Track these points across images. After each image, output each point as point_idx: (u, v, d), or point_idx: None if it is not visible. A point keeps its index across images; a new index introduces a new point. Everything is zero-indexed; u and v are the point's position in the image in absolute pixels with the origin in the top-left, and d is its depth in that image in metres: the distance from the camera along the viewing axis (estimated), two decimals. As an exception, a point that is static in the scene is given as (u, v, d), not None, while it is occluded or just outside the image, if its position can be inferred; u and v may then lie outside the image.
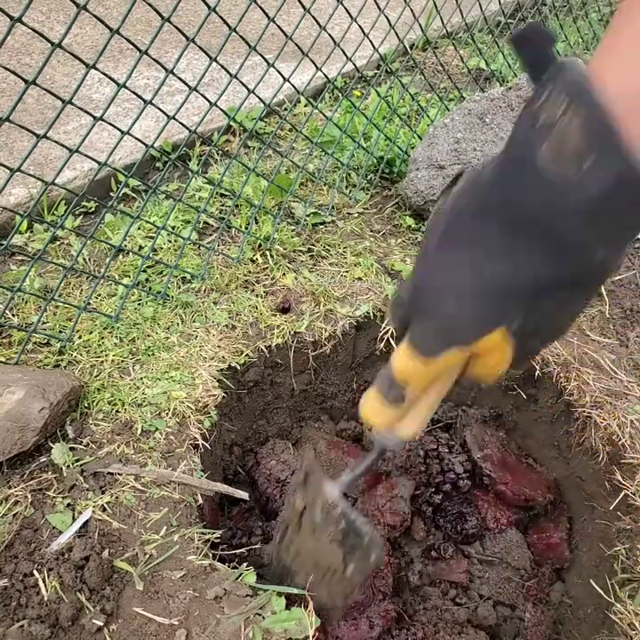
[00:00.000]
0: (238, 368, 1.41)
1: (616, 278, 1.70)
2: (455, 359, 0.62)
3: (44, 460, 1.16)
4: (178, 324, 1.45)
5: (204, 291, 1.55)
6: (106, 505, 1.10)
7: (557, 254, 0.53)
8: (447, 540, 1.41)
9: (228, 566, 1.07)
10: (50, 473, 1.14)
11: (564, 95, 0.50)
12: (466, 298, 0.58)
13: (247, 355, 1.42)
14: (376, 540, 0.91)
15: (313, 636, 0.94)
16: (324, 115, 1.77)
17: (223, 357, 1.39)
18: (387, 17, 1.71)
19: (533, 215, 0.53)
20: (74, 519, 1.07)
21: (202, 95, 1.39)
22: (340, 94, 2.17)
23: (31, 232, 1.69)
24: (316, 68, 1.58)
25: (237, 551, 1.18)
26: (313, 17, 1.50)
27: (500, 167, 0.55)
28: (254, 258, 1.64)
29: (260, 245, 1.67)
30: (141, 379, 1.32)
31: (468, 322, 0.59)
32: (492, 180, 0.56)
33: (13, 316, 1.44)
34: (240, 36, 1.33)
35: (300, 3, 1.52)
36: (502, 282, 0.56)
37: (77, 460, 1.16)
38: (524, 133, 0.53)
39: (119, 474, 1.15)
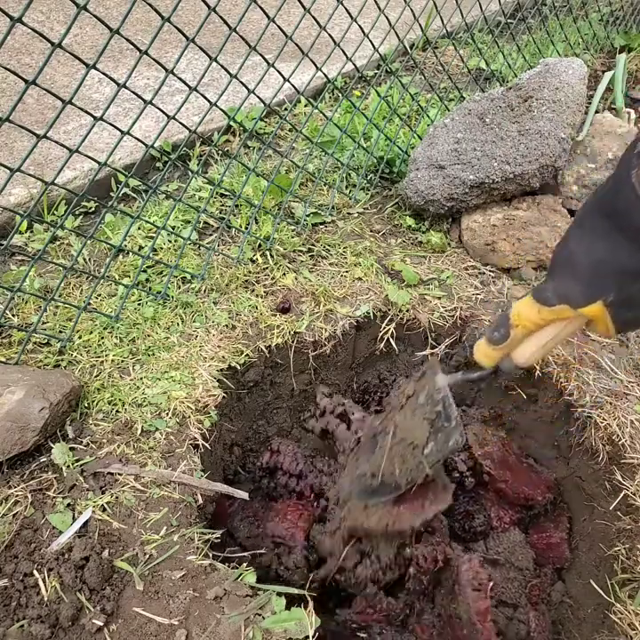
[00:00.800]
0: (238, 368, 1.41)
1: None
2: (564, 314, 0.84)
3: (44, 459, 1.16)
4: (178, 323, 1.45)
5: (204, 291, 1.55)
6: (106, 505, 1.10)
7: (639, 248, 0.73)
8: (455, 539, 1.40)
9: (228, 566, 1.07)
10: (50, 473, 1.14)
11: None
12: (579, 273, 0.80)
13: (247, 355, 1.42)
14: (460, 427, 1.04)
15: None
16: (324, 115, 1.77)
17: (223, 357, 1.39)
18: (387, 17, 1.71)
19: (628, 218, 0.72)
20: (74, 519, 1.07)
21: (202, 95, 1.39)
22: (340, 94, 2.17)
23: (31, 232, 1.69)
24: (316, 68, 1.58)
25: (240, 554, 1.18)
26: (313, 17, 1.50)
27: (611, 178, 0.75)
28: (254, 258, 1.64)
29: (259, 245, 1.67)
30: (141, 379, 1.32)
31: (578, 292, 0.81)
32: (604, 186, 0.77)
33: (13, 316, 1.44)
34: (240, 36, 1.33)
35: (300, 3, 1.52)
36: (603, 265, 0.77)
37: (77, 460, 1.16)
38: (628, 156, 0.71)
39: (119, 474, 1.15)
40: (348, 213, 1.85)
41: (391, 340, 1.58)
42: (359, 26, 1.64)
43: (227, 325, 1.47)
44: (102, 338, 1.40)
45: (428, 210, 1.77)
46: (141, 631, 0.95)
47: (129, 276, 1.56)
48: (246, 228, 1.67)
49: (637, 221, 0.71)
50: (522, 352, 0.95)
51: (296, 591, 1.06)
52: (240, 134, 2.17)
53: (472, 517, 1.42)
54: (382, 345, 1.60)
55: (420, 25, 1.83)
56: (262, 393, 1.56)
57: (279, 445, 1.46)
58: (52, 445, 1.17)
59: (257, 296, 1.55)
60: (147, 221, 1.59)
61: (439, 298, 1.59)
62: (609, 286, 0.79)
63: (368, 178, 1.95)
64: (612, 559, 1.23)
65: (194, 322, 1.47)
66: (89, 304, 1.44)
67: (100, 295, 1.51)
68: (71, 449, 1.18)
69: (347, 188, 1.94)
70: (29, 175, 1.18)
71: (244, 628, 0.94)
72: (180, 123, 1.38)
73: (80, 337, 1.40)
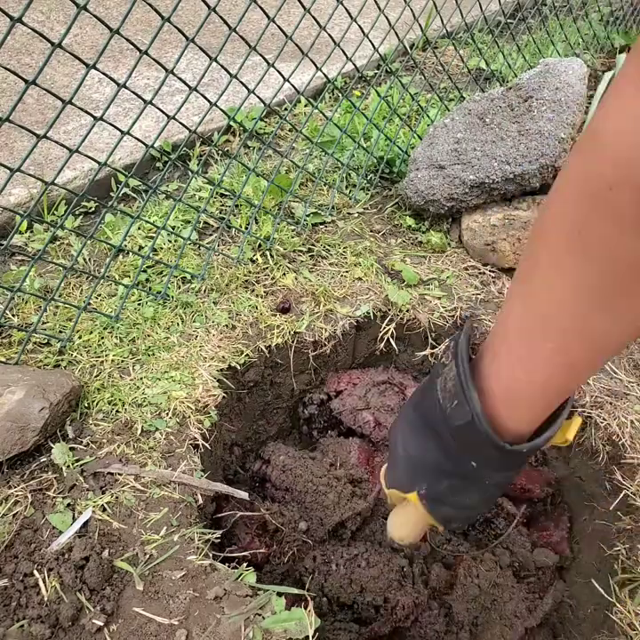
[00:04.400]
0: (238, 368, 1.41)
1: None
2: (398, 496, 0.87)
3: (44, 460, 1.16)
4: (178, 324, 1.45)
5: (204, 291, 1.55)
6: (106, 505, 1.10)
7: (446, 454, 0.75)
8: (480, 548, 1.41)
9: (228, 566, 1.07)
10: (50, 473, 1.14)
11: (451, 351, 0.71)
12: (398, 464, 0.85)
13: (247, 355, 1.42)
14: None
15: None
16: (323, 115, 1.77)
17: (223, 357, 1.39)
18: (387, 17, 1.71)
19: (435, 425, 0.74)
20: (74, 519, 1.07)
21: (202, 95, 1.39)
22: (340, 94, 2.17)
23: (31, 232, 1.69)
24: (316, 68, 1.58)
25: (240, 554, 1.18)
26: (313, 17, 1.50)
27: (425, 382, 0.78)
28: (254, 258, 1.64)
29: (259, 245, 1.67)
30: (141, 379, 1.32)
31: (399, 481, 0.86)
32: (420, 388, 0.81)
33: (13, 316, 1.44)
34: (240, 36, 1.33)
35: (300, 3, 1.52)
36: (416, 461, 0.81)
37: (77, 460, 1.16)
38: (437, 365, 0.75)
39: (119, 474, 1.15)
40: (348, 213, 1.85)
41: (391, 339, 1.58)
42: (359, 26, 1.64)
43: (227, 325, 1.47)
44: (102, 338, 1.40)
45: (428, 210, 1.77)
46: (141, 631, 0.95)
47: (129, 276, 1.56)
48: (246, 228, 1.67)
49: (442, 432, 0.73)
50: (397, 530, 0.97)
51: (296, 591, 1.06)
52: (240, 134, 2.17)
53: (492, 523, 1.42)
54: (382, 345, 1.60)
55: (419, 25, 1.83)
56: (262, 393, 1.56)
57: (270, 454, 1.45)
58: (52, 445, 1.17)
59: (257, 296, 1.55)
60: (147, 221, 1.59)
61: (439, 298, 1.59)
62: (421, 480, 0.82)
63: (368, 178, 1.95)
64: (612, 559, 1.23)
65: (194, 322, 1.47)
66: (89, 304, 1.44)
67: (99, 295, 1.51)
68: (71, 449, 1.18)
69: (347, 187, 1.94)
70: (29, 175, 1.18)
71: (244, 628, 0.94)
72: (180, 123, 1.38)
73: (80, 337, 1.40)
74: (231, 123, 1.53)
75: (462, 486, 0.80)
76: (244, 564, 1.07)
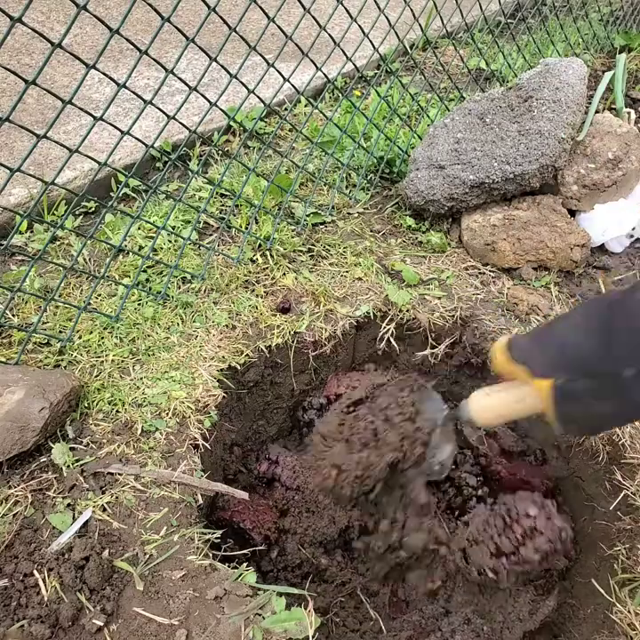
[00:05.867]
0: (238, 368, 1.41)
1: (616, 278, 1.70)
2: (520, 375, 0.85)
3: (44, 460, 1.16)
4: (178, 324, 1.45)
5: (204, 291, 1.55)
6: (106, 505, 1.10)
7: (607, 351, 0.74)
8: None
9: (228, 566, 1.07)
10: (50, 473, 1.14)
11: None
12: (549, 345, 0.82)
13: (247, 355, 1.42)
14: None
15: None
16: (324, 115, 1.77)
17: (223, 357, 1.39)
18: (387, 17, 1.71)
19: (615, 319, 0.74)
20: (74, 519, 1.07)
21: (202, 95, 1.39)
22: (340, 94, 2.17)
23: (31, 232, 1.69)
24: (316, 67, 1.58)
25: (240, 553, 1.18)
26: (313, 17, 1.50)
27: (618, 293, 0.77)
28: (254, 258, 1.64)
29: (260, 245, 1.67)
30: (141, 379, 1.32)
31: (538, 362, 0.82)
32: (620, 291, 0.77)
33: (13, 316, 1.44)
34: (240, 36, 1.33)
35: (300, 3, 1.52)
36: (570, 350, 0.79)
37: (77, 460, 1.16)
38: None
39: (119, 474, 1.15)
40: (348, 213, 1.85)
41: (391, 339, 1.58)
42: (359, 26, 1.64)
43: (227, 325, 1.47)
44: (102, 338, 1.40)
45: (428, 210, 1.77)
46: (141, 631, 0.95)
47: (129, 276, 1.56)
48: (246, 228, 1.67)
49: (621, 333, 0.73)
50: (483, 413, 0.97)
51: (296, 591, 1.06)
52: (240, 134, 2.17)
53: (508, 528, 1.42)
54: (382, 345, 1.60)
55: (419, 25, 1.83)
56: (262, 393, 1.56)
57: (278, 456, 1.46)
58: (52, 445, 1.17)
59: (257, 296, 1.55)
60: (147, 221, 1.59)
61: (439, 298, 1.59)
62: (563, 371, 0.80)
63: (368, 178, 1.95)
64: (612, 559, 1.23)
65: (194, 322, 1.47)
66: (89, 304, 1.44)
67: (99, 295, 1.51)
68: (71, 449, 1.18)
69: (347, 187, 1.94)
70: (29, 175, 1.18)
71: (244, 627, 0.94)
72: (180, 123, 1.38)
73: (80, 337, 1.40)
74: (231, 123, 1.53)
75: (602, 393, 0.77)
76: (244, 564, 1.07)
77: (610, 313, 0.77)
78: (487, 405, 0.98)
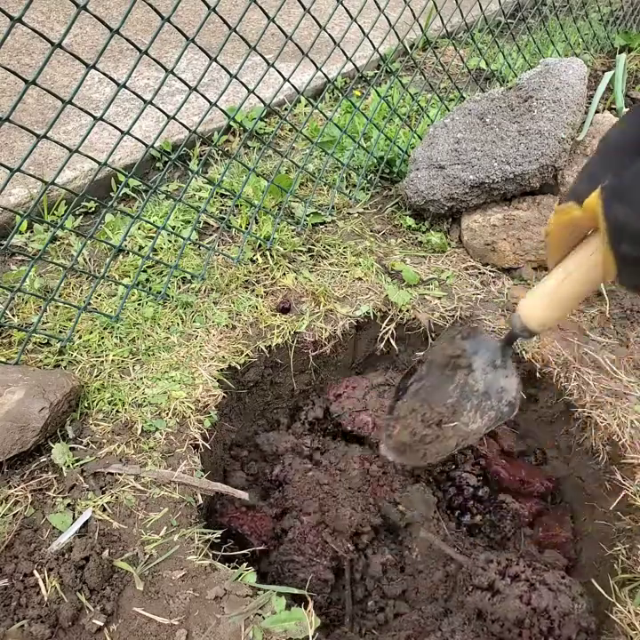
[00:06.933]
0: (238, 368, 1.41)
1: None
2: (573, 214, 0.73)
3: (44, 460, 1.16)
4: (178, 324, 1.45)
5: (205, 291, 1.55)
6: (106, 505, 1.10)
7: None
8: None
9: (228, 566, 1.07)
10: (50, 473, 1.14)
11: None
12: (590, 165, 0.73)
13: (247, 355, 1.42)
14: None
15: None
16: (324, 115, 1.77)
17: (223, 357, 1.39)
18: (387, 17, 1.71)
19: None
20: (74, 519, 1.07)
21: (202, 95, 1.39)
22: (340, 94, 2.17)
23: (31, 232, 1.69)
24: (316, 68, 1.58)
25: (240, 552, 1.18)
26: (313, 17, 1.50)
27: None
28: (254, 258, 1.64)
29: (259, 245, 1.67)
30: (141, 379, 1.32)
31: (584, 184, 0.71)
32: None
33: (13, 316, 1.44)
34: (240, 36, 1.33)
35: (300, 3, 1.52)
36: (613, 143, 0.70)
37: (77, 460, 1.16)
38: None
39: (119, 474, 1.15)
40: (348, 213, 1.85)
41: (391, 339, 1.58)
42: (359, 26, 1.64)
43: (227, 325, 1.47)
44: (102, 338, 1.40)
45: (428, 210, 1.77)
46: (141, 631, 0.95)
47: (129, 276, 1.56)
48: (246, 228, 1.67)
49: None
50: (537, 311, 0.84)
51: (296, 591, 1.06)
52: (240, 134, 2.17)
53: (497, 528, 1.42)
54: (382, 345, 1.60)
55: (419, 25, 1.83)
56: (262, 393, 1.56)
57: (291, 460, 1.46)
58: (52, 445, 1.17)
59: (257, 296, 1.55)
60: (147, 221, 1.59)
61: (439, 298, 1.59)
62: (608, 167, 0.68)
63: (368, 178, 1.95)
64: (612, 559, 1.23)
65: (194, 322, 1.47)
66: (89, 304, 1.44)
67: (99, 295, 1.51)
68: (71, 449, 1.18)
69: (347, 187, 1.94)
70: (29, 175, 1.18)
71: (244, 627, 0.94)
72: (180, 123, 1.38)
73: (80, 337, 1.40)
74: (231, 123, 1.53)
75: None
76: (244, 564, 1.07)
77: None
78: (538, 298, 0.85)
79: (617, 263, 0.68)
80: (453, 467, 1.48)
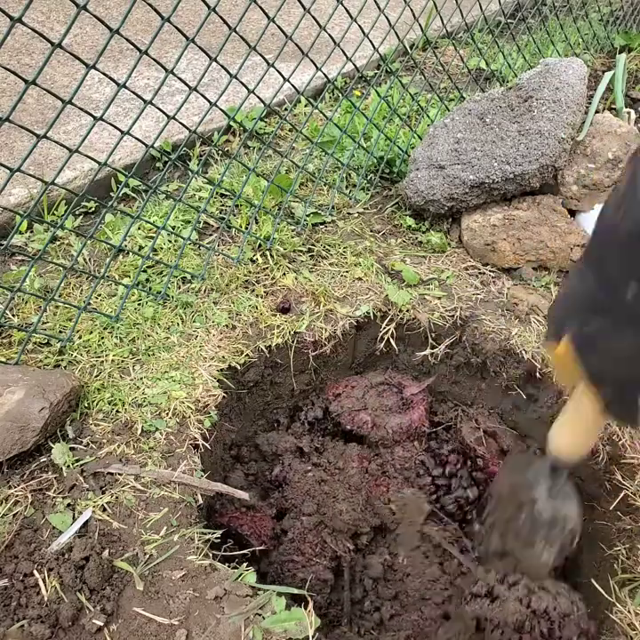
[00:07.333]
0: (238, 368, 1.41)
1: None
2: (553, 352, 0.78)
3: (44, 460, 1.16)
4: (178, 324, 1.45)
5: (205, 291, 1.55)
6: (106, 505, 1.10)
7: (602, 281, 0.68)
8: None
9: (228, 566, 1.07)
10: (50, 473, 1.14)
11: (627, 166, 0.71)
12: (556, 309, 0.79)
13: (247, 355, 1.42)
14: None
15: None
16: (324, 115, 1.77)
17: (223, 357, 1.39)
18: (387, 17, 1.71)
19: (601, 247, 0.70)
20: (74, 519, 1.07)
21: (202, 95, 1.39)
22: (340, 94, 2.17)
23: (31, 232, 1.69)
24: (316, 68, 1.58)
25: (240, 552, 1.18)
26: (313, 17, 1.50)
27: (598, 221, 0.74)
28: (254, 258, 1.64)
29: (260, 245, 1.67)
30: (141, 379, 1.32)
31: (552, 330, 0.78)
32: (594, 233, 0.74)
33: (13, 316, 1.44)
34: (240, 36, 1.33)
35: (300, 3, 1.52)
36: (571, 295, 0.76)
37: (77, 460, 1.16)
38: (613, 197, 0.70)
39: (119, 474, 1.15)
40: (348, 213, 1.85)
41: (391, 340, 1.58)
42: (359, 26, 1.64)
43: (227, 325, 1.47)
44: (102, 338, 1.40)
45: (428, 210, 1.77)
46: (141, 631, 0.95)
47: (129, 276, 1.56)
48: (246, 228, 1.67)
49: (606, 253, 0.69)
50: (561, 445, 0.94)
51: (296, 591, 1.06)
52: (240, 134, 2.17)
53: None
54: (382, 345, 1.60)
55: (419, 25, 1.83)
56: (262, 393, 1.56)
57: (291, 461, 1.46)
58: (52, 445, 1.17)
59: (257, 296, 1.55)
60: (147, 221, 1.59)
61: (439, 298, 1.59)
62: (572, 318, 0.75)
63: (368, 178, 1.95)
64: (612, 559, 1.23)
65: (194, 322, 1.47)
66: (89, 304, 1.44)
67: (100, 295, 1.51)
68: (71, 449, 1.18)
69: (347, 187, 1.94)
70: (29, 175, 1.18)
71: (244, 627, 0.94)
72: (180, 123, 1.38)
73: (80, 337, 1.40)
74: (231, 123, 1.53)
75: (613, 326, 0.70)
76: (244, 564, 1.07)
77: (595, 241, 0.73)
78: (562, 431, 0.94)
79: (603, 402, 0.74)
80: (445, 482, 1.48)
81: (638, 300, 0.65)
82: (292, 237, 1.71)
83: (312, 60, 1.56)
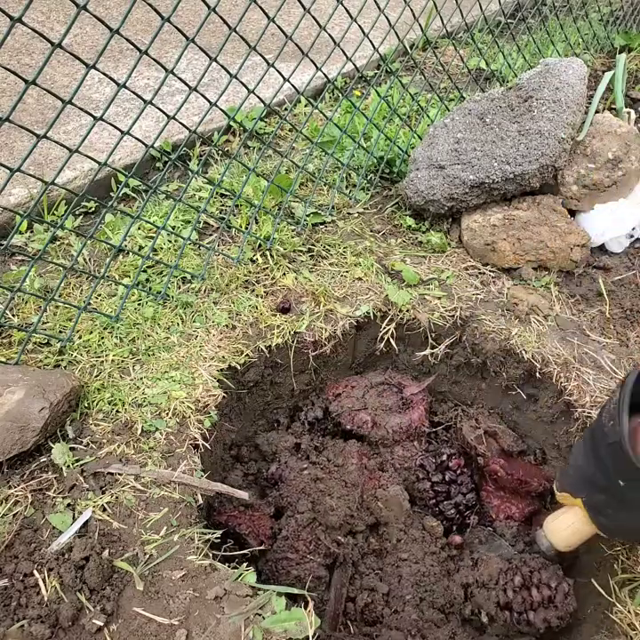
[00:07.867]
0: (238, 368, 1.41)
1: (616, 278, 1.70)
2: (568, 500, 1.15)
3: (44, 460, 1.16)
4: (178, 324, 1.45)
5: (205, 291, 1.55)
6: (106, 505, 1.10)
7: (600, 469, 1.01)
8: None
9: (228, 566, 1.07)
10: (50, 473, 1.14)
11: (621, 381, 1.02)
12: (571, 473, 1.14)
13: (247, 355, 1.42)
14: None
15: None
16: (324, 115, 1.77)
17: (223, 357, 1.39)
18: (387, 17, 1.71)
19: (597, 441, 1.01)
20: (74, 519, 1.07)
21: (202, 95, 1.39)
22: (340, 94, 2.17)
23: (31, 232, 1.69)
24: (316, 68, 1.58)
25: (240, 552, 1.18)
26: (313, 17, 1.50)
27: (595, 421, 1.07)
28: (254, 258, 1.64)
29: (260, 245, 1.67)
30: (141, 379, 1.32)
31: (569, 484, 1.14)
32: (600, 413, 1.04)
33: (13, 316, 1.44)
34: (240, 36, 1.33)
35: (300, 3, 1.51)
36: (581, 471, 1.08)
37: (77, 460, 1.16)
38: (606, 406, 1.01)
39: (119, 474, 1.15)
40: (348, 213, 1.85)
41: (391, 340, 1.58)
42: (359, 26, 1.64)
43: (227, 325, 1.47)
44: (102, 338, 1.40)
45: (428, 210, 1.77)
46: (141, 631, 0.95)
47: (129, 276, 1.56)
48: (246, 228, 1.67)
49: (600, 447, 0.98)
50: (561, 534, 1.21)
51: (296, 591, 1.06)
52: (240, 134, 2.17)
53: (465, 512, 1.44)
54: (382, 345, 1.60)
55: (419, 25, 1.83)
56: (262, 393, 1.56)
57: (287, 459, 1.46)
58: (52, 445, 1.17)
59: (257, 296, 1.55)
60: (147, 221, 1.59)
61: (439, 298, 1.59)
62: (583, 488, 1.07)
63: (368, 178, 1.95)
64: (612, 559, 1.23)
65: (194, 322, 1.47)
66: (89, 304, 1.44)
67: (99, 295, 1.51)
68: (71, 449, 1.18)
69: (347, 187, 1.94)
70: (29, 175, 1.18)
71: (244, 627, 0.94)
72: (180, 123, 1.38)
73: (80, 337, 1.40)
74: (231, 123, 1.53)
75: (614, 503, 0.99)
76: (244, 564, 1.07)
77: (592, 432, 1.03)
78: (561, 529, 1.20)
79: (600, 528, 1.10)
80: (444, 490, 1.48)
81: (627, 490, 0.93)
82: (292, 237, 1.71)
83: (312, 60, 1.56)
